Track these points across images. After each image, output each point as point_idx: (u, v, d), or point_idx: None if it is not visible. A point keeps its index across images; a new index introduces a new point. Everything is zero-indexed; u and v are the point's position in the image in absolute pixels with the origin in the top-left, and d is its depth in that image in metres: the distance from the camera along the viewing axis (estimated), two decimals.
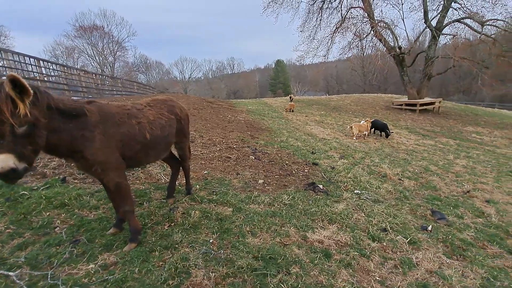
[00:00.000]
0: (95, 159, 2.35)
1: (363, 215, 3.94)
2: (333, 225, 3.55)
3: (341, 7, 18.25)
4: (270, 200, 3.98)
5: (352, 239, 3.27)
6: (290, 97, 21.59)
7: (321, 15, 18.88)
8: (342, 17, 17.24)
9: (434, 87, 45.66)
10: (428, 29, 16.47)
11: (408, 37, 17.57)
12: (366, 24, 16.91)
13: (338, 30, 17.12)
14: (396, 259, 3.01)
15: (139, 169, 4.47)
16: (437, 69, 20.29)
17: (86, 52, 43.44)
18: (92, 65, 43.72)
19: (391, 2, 16.80)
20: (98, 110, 2.43)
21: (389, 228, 3.61)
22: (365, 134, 10.39)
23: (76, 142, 2.23)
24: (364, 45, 19.15)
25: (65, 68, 18.82)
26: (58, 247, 2.59)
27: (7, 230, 2.73)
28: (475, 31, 15.53)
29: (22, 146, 1.83)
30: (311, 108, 17.77)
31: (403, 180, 5.67)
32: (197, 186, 4.19)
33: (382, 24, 16.91)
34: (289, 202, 3.98)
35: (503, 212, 4.68)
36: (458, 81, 42.42)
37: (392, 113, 17.14)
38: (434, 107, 17.83)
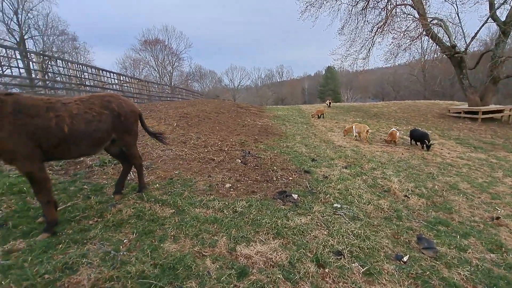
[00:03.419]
0: (3, 147, 2.45)
1: (325, 233, 3.34)
2: (277, 240, 3.07)
3: (388, 7, 16.70)
4: (222, 206, 3.68)
5: (288, 258, 2.77)
6: (329, 103, 20.52)
7: (365, 16, 17.56)
8: (386, 15, 15.70)
9: None
10: (495, 24, 13.85)
11: (464, 34, 14.92)
12: (415, 22, 15.05)
13: (381, 31, 15.62)
14: None
15: (111, 164, 4.64)
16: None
17: (149, 64, 48.72)
18: (153, 75, 48.84)
19: None
20: (14, 101, 2.54)
21: (346, 251, 2.97)
22: (394, 142, 9.17)
23: None
24: (424, 46, 17.12)
25: (121, 76, 21.35)
26: None
27: None
28: None
29: None
30: (348, 114, 16.51)
31: (409, 197, 4.71)
32: (157, 185, 4.14)
33: (435, 22, 14.86)
34: (241, 209, 3.62)
35: None
36: None
37: (446, 122, 14.79)
38: (502, 116, 14.75)
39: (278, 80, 71.86)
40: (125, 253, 2.58)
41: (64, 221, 3.00)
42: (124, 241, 2.78)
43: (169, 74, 51.48)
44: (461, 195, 5.11)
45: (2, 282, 2.11)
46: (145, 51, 47.70)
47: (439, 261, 3.00)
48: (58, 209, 3.16)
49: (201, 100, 18.07)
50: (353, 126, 9.50)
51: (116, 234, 2.86)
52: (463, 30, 15.15)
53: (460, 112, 15.75)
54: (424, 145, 8.98)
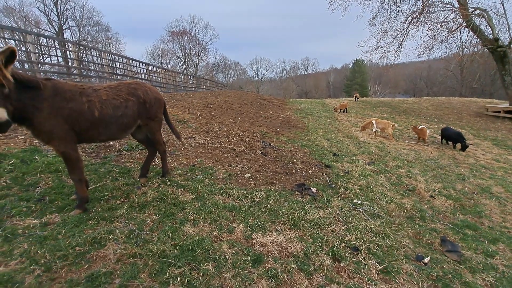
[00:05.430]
0: (41, 128, 2.65)
1: (343, 228, 3.31)
2: (293, 232, 3.09)
3: None
4: (241, 195, 3.74)
5: (303, 250, 2.78)
6: (356, 97, 19.87)
7: (399, 6, 16.58)
8: (422, 4, 14.72)
9: None
10: None
11: (509, 27, 13.61)
12: (454, 13, 13.98)
13: (416, 22, 14.69)
14: (344, 285, 2.41)
15: (138, 149, 4.87)
16: None
17: (176, 55, 49.82)
18: (179, 65, 49.97)
19: None
20: (53, 85, 2.73)
21: (364, 248, 2.92)
22: (423, 140, 8.74)
23: (27, 110, 2.57)
24: (463, 39, 16.01)
25: (150, 66, 22.07)
26: (26, 202, 3.05)
27: (3, 183, 3.36)
28: None
29: (7, 104, 2.30)
30: (375, 110, 15.90)
31: (435, 198, 4.50)
32: (179, 171, 4.29)
33: (477, 12, 13.72)
34: (259, 199, 3.66)
35: None
36: None
37: (483, 121, 13.79)
38: None
39: (303, 73, 70.56)
40: (148, 232, 2.73)
41: (94, 200, 3.22)
42: (148, 221, 2.93)
43: (195, 65, 52.45)
44: (493, 199, 4.80)
45: (38, 251, 2.32)
46: (172, 42, 48.90)
47: (462, 265, 2.87)
48: (89, 188, 3.39)
49: (225, 91, 18.26)
50: (373, 121, 9.08)
51: (140, 214, 3.02)
52: (507, 22, 13.88)
53: (499, 111, 14.63)
54: (458, 144, 8.44)
